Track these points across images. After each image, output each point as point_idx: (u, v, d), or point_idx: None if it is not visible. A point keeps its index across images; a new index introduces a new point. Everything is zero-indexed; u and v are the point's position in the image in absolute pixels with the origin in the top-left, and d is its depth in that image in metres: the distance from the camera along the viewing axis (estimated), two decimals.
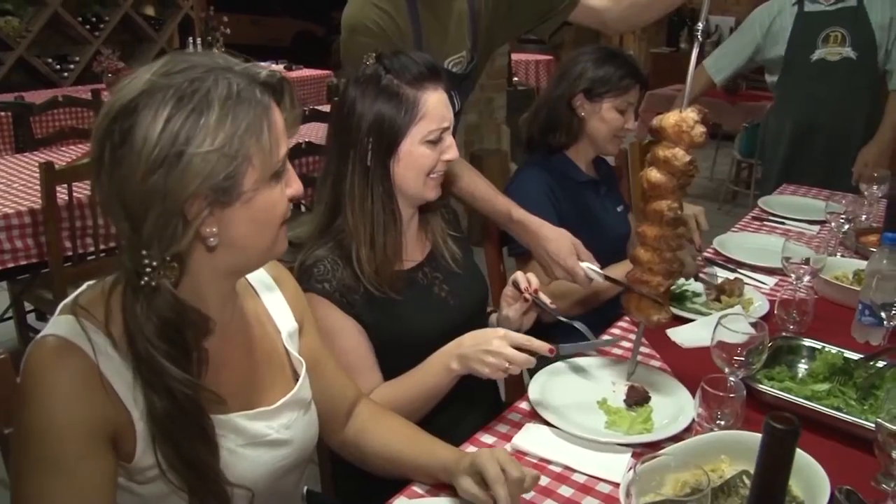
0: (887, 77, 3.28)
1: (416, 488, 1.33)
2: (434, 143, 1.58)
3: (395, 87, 1.54)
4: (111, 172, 0.98)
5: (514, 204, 1.93)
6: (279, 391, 1.23)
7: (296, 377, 1.27)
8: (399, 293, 1.57)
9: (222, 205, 1.01)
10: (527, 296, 1.63)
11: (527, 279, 1.65)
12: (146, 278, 1.00)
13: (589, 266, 1.84)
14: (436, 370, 1.52)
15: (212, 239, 1.03)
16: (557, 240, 1.87)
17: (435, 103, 1.55)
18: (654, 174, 1.49)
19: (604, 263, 1.92)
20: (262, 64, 1.09)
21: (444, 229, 1.74)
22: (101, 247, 3.05)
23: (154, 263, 0.99)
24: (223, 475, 1.08)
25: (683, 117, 1.45)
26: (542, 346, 1.48)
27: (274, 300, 1.31)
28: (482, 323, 1.79)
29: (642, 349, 1.79)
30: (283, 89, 1.08)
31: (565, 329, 1.67)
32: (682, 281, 2.20)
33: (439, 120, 1.57)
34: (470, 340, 1.51)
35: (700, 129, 1.45)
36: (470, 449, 1.42)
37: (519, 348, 1.46)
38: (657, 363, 1.77)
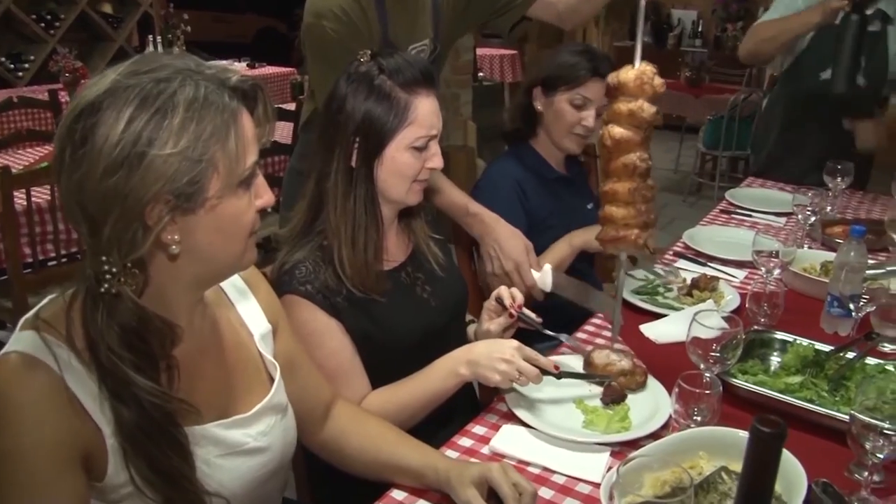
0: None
1: (395, 495, 1.32)
2: (419, 149, 1.56)
3: (387, 88, 1.52)
4: (71, 173, 0.95)
5: (472, 199, 1.95)
6: (255, 397, 1.22)
7: (271, 381, 1.25)
8: (381, 294, 1.56)
9: (185, 211, 0.99)
10: (512, 311, 1.62)
11: (511, 294, 1.64)
12: (106, 285, 0.97)
13: (540, 275, 1.86)
14: (441, 375, 1.52)
15: (174, 247, 1.00)
16: (512, 238, 1.89)
17: (426, 110, 1.54)
18: (617, 130, 1.51)
19: (573, 262, 1.94)
20: (236, 65, 1.06)
21: (426, 231, 1.73)
22: (62, 252, 2.98)
23: (114, 270, 0.97)
24: (200, 486, 1.06)
25: (643, 70, 1.49)
26: (548, 363, 1.50)
27: (247, 305, 1.29)
28: (462, 326, 1.79)
29: (617, 346, 1.80)
30: (256, 96, 1.06)
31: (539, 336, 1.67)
32: (651, 276, 2.20)
33: (428, 127, 1.55)
34: (483, 347, 1.51)
35: (659, 80, 1.50)
36: (449, 453, 1.42)
37: (527, 362, 1.48)
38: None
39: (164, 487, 1.02)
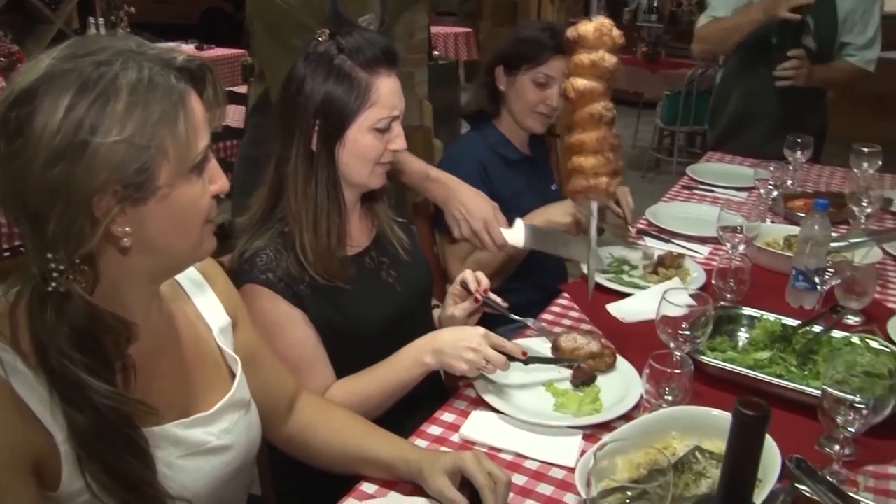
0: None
1: (365, 488, 1.30)
2: (382, 131, 1.53)
3: (347, 68, 1.48)
4: (7, 166, 0.91)
5: (431, 166, 1.92)
6: (216, 394, 1.18)
7: (233, 377, 1.22)
8: (346, 280, 1.53)
9: (135, 201, 0.95)
10: (477, 296, 1.61)
11: (476, 278, 1.62)
12: (53, 284, 0.93)
13: (511, 231, 1.84)
14: (407, 364, 1.50)
15: (125, 239, 0.96)
16: (477, 197, 1.86)
17: (388, 90, 1.51)
18: (581, 82, 1.55)
19: None
20: (184, 48, 1.02)
21: (390, 214, 1.71)
22: (5, 246, 2.88)
23: (61, 267, 0.93)
24: (163, 490, 1.03)
25: (601, 22, 1.54)
26: (515, 349, 1.49)
27: (204, 298, 1.25)
28: (428, 311, 1.78)
29: (584, 326, 1.80)
30: (205, 76, 1.02)
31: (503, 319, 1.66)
32: (617, 254, 2.20)
33: (391, 108, 1.52)
34: (448, 335, 1.49)
35: (618, 32, 1.56)
36: (418, 442, 1.41)
37: (493, 349, 1.46)
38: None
39: (124, 493, 0.98)
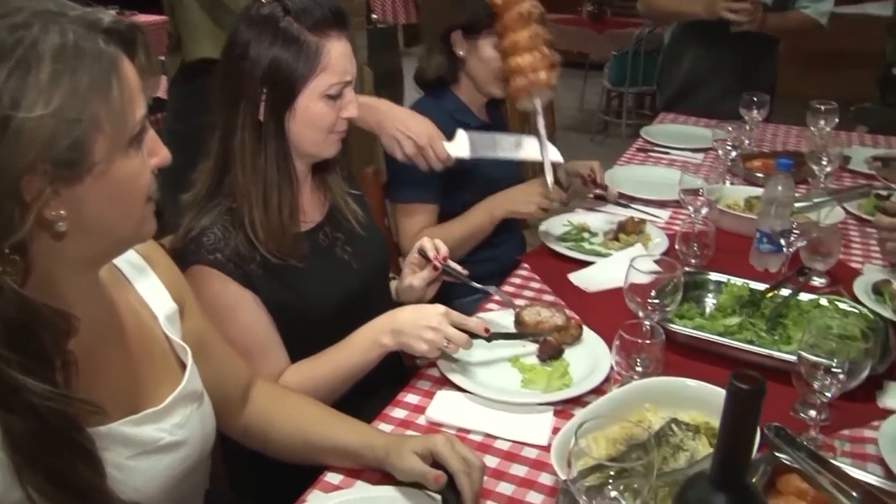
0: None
1: (330, 479, 1.26)
2: (333, 98, 1.47)
3: (295, 31, 1.41)
4: None
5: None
6: (166, 387, 1.12)
7: (183, 367, 1.16)
8: (299, 259, 1.48)
9: (68, 181, 0.87)
10: (437, 264, 1.57)
11: (434, 246, 1.58)
12: None
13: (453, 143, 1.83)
14: (363, 346, 1.45)
15: (60, 223, 0.89)
16: (416, 116, 1.84)
17: (338, 54, 1.45)
18: None
19: None
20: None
21: (343, 186, 1.65)
22: None
23: None
24: (114, 495, 0.96)
25: None
26: (477, 325, 1.46)
27: (147, 283, 1.18)
28: (386, 289, 1.73)
29: (546, 297, 1.77)
30: (135, 38, 0.94)
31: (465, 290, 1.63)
32: (576, 221, 2.18)
33: (342, 73, 1.46)
34: (408, 315, 1.45)
35: None
36: (382, 426, 1.37)
37: (455, 327, 1.43)
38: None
39: (70, 502, 0.90)
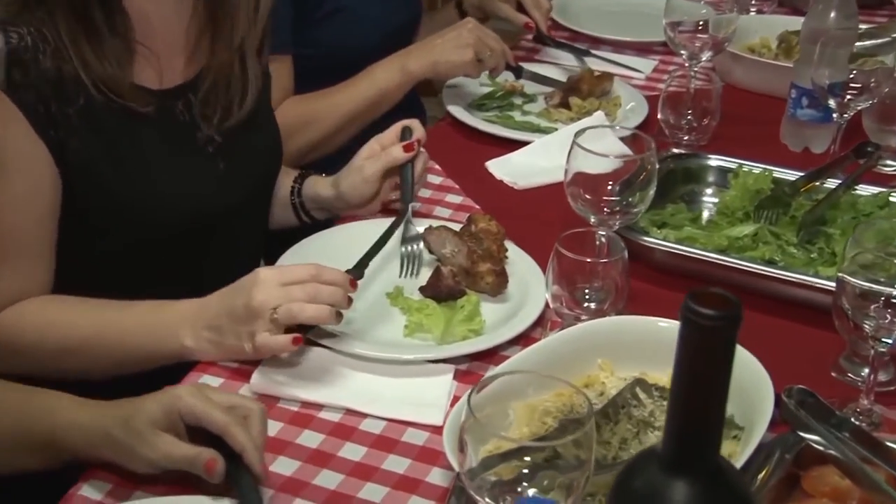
0: None
1: (86, 492, 1.03)
2: None
3: None
4: None
5: None
6: None
7: None
8: (141, 118, 1.28)
9: None
10: (413, 144, 1.45)
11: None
12: None
13: None
14: (159, 333, 1.19)
15: None
16: None
17: None
18: None
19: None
20: None
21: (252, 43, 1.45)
22: None
23: None
24: None
25: None
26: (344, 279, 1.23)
27: None
28: (262, 218, 1.52)
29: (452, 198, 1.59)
30: None
31: None
32: (502, 79, 1.94)
33: None
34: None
35: None
36: None
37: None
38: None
39: None
